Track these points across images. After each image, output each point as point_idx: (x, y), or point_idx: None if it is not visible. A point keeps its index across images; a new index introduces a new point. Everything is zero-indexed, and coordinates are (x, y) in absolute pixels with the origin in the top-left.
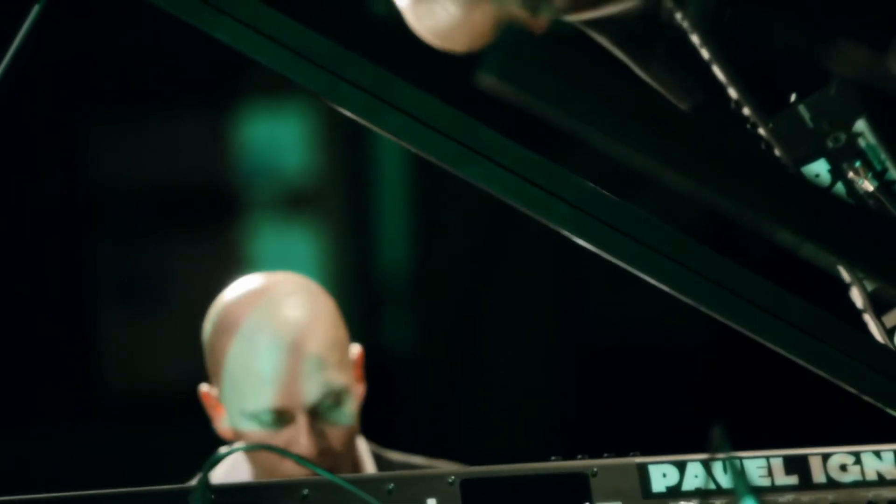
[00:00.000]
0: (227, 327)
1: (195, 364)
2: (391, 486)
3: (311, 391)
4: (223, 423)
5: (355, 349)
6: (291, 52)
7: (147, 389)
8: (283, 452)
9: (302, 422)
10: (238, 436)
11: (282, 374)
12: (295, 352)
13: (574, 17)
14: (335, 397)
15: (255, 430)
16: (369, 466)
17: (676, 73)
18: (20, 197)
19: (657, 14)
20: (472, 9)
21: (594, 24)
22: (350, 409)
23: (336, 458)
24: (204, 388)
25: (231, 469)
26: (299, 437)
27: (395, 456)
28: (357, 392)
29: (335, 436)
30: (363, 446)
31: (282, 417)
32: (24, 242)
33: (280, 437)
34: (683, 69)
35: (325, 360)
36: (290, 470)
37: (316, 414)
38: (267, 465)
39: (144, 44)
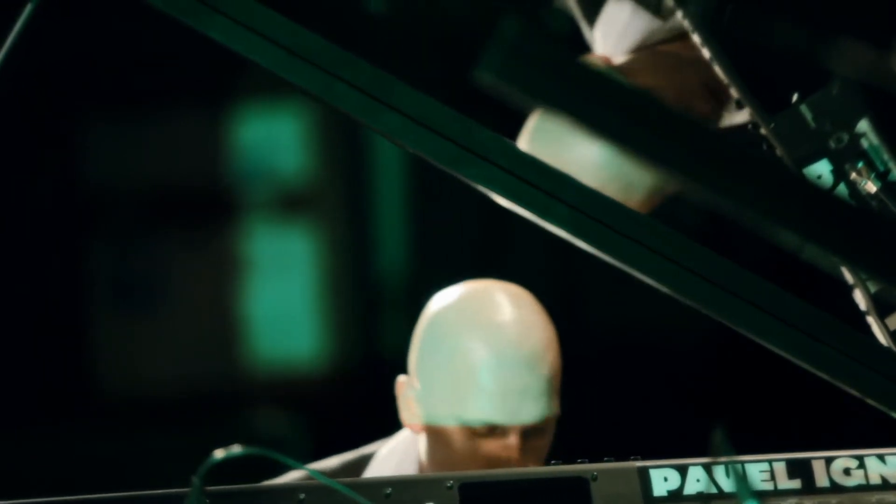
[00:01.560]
0: (449, 332)
1: (193, 365)
2: (389, 490)
3: (534, 414)
4: (412, 418)
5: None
6: (287, 52)
7: (145, 391)
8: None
9: (514, 441)
10: (436, 437)
11: (512, 390)
12: (524, 374)
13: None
14: (549, 422)
15: (460, 438)
16: None
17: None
18: (16, 197)
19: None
20: None
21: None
22: (549, 439)
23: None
24: (402, 378)
25: (402, 458)
26: (510, 454)
27: None
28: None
29: (535, 457)
30: None
31: (495, 430)
32: (21, 243)
33: (485, 450)
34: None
35: (553, 386)
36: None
37: (526, 435)
38: (455, 460)
39: (140, 44)
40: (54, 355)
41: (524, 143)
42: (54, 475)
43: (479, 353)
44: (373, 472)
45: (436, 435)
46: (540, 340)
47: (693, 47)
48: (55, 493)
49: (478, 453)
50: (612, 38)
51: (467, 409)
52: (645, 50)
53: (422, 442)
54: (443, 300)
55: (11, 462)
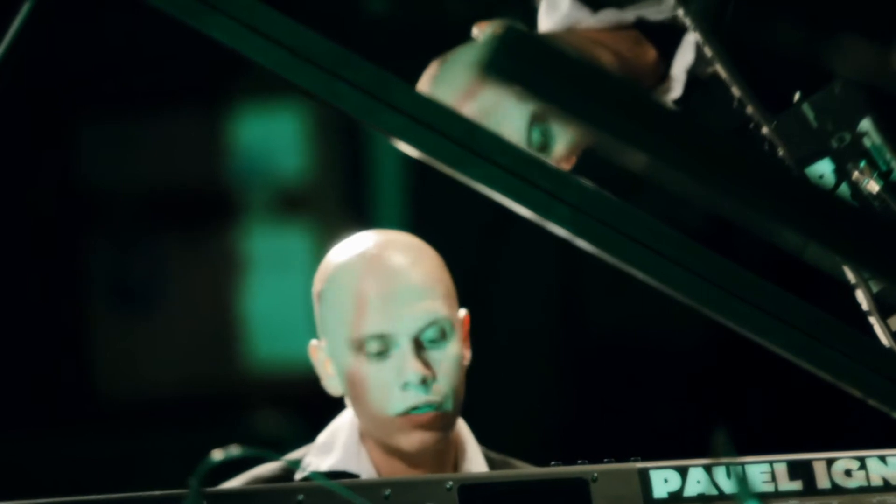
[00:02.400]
0: (333, 269)
1: (191, 365)
2: (388, 491)
3: (414, 316)
4: (330, 381)
5: (462, 312)
6: (288, 51)
7: (143, 391)
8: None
9: (406, 348)
10: (345, 379)
11: (385, 299)
12: (399, 278)
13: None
14: (440, 331)
15: (361, 365)
16: (471, 439)
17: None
18: (14, 198)
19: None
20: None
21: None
22: (456, 350)
23: (442, 398)
24: (313, 342)
25: (332, 437)
26: (405, 364)
27: (493, 454)
28: (463, 337)
29: (443, 370)
30: (463, 423)
31: (386, 345)
32: (20, 244)
33: (386, 369)
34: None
35: (431, 290)
36: (399, 402)
37: (420, 345)
38: (374, 409)
39: (139, 44)
40: (53, 356)
41: (425, 86)
42: (52, 476)
43: (352, 277)
44: (308, 461)
45: (351, 385)
46: (410, 252)
47: (618, 39)
48: (53, 494)
49: (382, 381)
50: (555, 19)
51: (353, 327)
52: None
53: (348, 405)
54: (325, 258)
55: (11, 463)
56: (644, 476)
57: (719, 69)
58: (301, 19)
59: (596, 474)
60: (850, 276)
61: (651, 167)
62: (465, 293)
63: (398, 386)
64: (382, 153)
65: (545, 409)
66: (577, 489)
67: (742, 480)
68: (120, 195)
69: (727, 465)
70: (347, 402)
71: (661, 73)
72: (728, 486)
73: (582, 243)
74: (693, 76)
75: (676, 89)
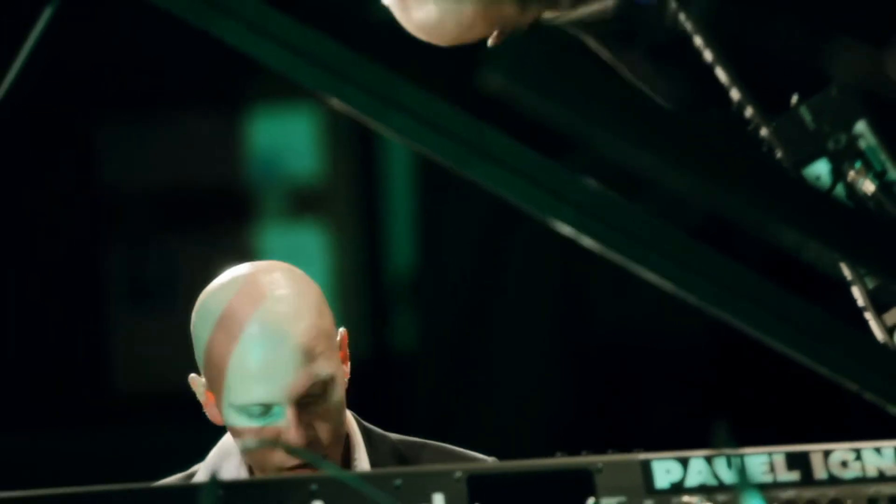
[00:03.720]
0: (211, 318)
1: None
2: (398, 481)
3: (297, 383)
4: (212, 409)
5: (339, 332)
6: (296, 53)
7: (160, 386)
8: (295, 450)
9: (290, 414)
10: (230, 428)
11: (268, 368)
12: (280, 345)
13: (555, 16)
14: (322, 386)
15: (244, 424)
16: (359, 442)
17: (658, 73)
18: (33, 198)
19: (637, 15)
20: (462, 2)
21: (576, 24)
22: (337, 395)
23: (326, 447)
24: (192, 376)
25: (220, 460)
26: (289, 430)
27: (391, 435)
28: (343, 375)
29: (324, 425)
30: (352, 423)
31: (269, 410)
32: (38, 242)
33: (269, 431)
34: (665, 68)
35: (312, 351)
36: (279, 459)
37: (303, 405)
38: (257, 457)
39: (154, 47)
40: (71, 352)
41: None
42: (72, 468)
43: (233, 341)
44: (199, 477)
45: (230, 429)
46: (288, 309)
47: None
48: (73, 484)
49: (267, 434)
50: None
51: (236, 394)
52: None
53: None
54: (208, 290)
55: (27, 456)
56: (647, 467)
57: (718, 72)
58: (308, 21)
59: (600, 465)
60: (847, 273)
61: (653, 168)
62: (471, 289)
63: (282, 448)
64: (393, 153)
65: (550, 402)
66: (581, 479)
67: (742, 471)
68: (136, 195)
69: (727, 457)
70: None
71: None
72: (728, 476)
73: (587, 242)
74: None
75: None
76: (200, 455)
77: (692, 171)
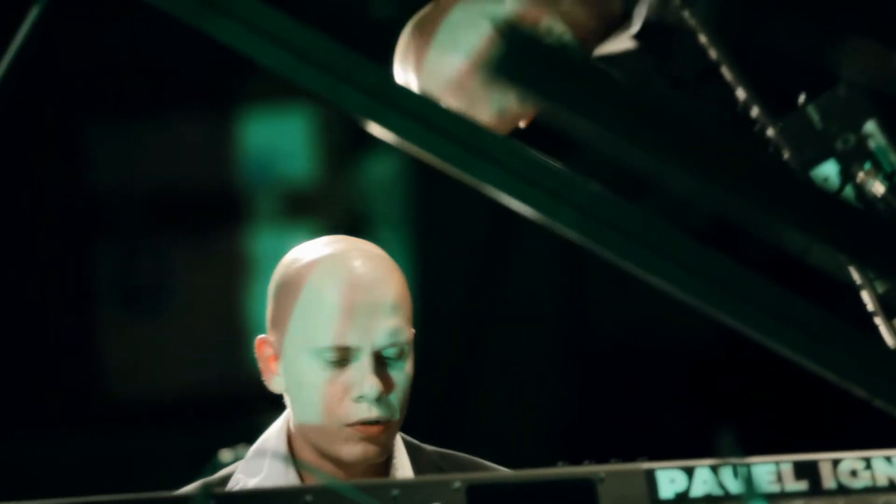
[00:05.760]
0: (300, 267)
1: (200, 366)
2: (396, 491)
3: (381, 333)
4: (274, 379)
5: (411, 331)
6: (293, 53)
7: (151, 392)
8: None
9: (366, 361)
10: (295, 380)
11: (355, 311)
12: (370, 292)
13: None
14: (400, 350)
15: (316, 371)
16: (400, 447)
17: (684, 104)
18: (22, 201)
19: (662, 49)
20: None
21: (605, 60)
22: (409, 370)
23: (393, 413)
24: (261, 337)
25: (260, 461)
26: (364, 378)
27: (427, 447)
28: (412, 359)
29: (396, 388)
30: (399, 441)
31: (346, 356)
32: (27, 246)
33: (342, 378)
34: (690, 101)
35: (399, 308)
36: (345, 412)
37: (381, 360)
38: (320, 409)
39: (147, 47)
40: (59, 357)
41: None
42: (61, 477)
43: (323, 282)
44: (239, 475)
45: (295, 383)
46: (382, 266)
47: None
48: (63, 494)
49: (336, 390)
50: None
51: (318, 337)
52: None
53: (287, 406)
54: (290, 254)
55: (16, 464)
56: (651, 476)
57: (724, 71)
58: (306, 21)
59: (603, 475)
60: (856, 276)
61: (657, 169)
62: (471, 295)
63: (352, 397)
64: (388, 155)
65: (552, 409)
66: (584, 490)
67: (748, 481)
68: (127, 198)
69: (733, 466)
70: (287, 402)
71: (623, 10)
72: (734, 486)
73: (588, 245)
74: (659, 21)
75: (636, 25)
76: (191, 462)
77: (697, 173)
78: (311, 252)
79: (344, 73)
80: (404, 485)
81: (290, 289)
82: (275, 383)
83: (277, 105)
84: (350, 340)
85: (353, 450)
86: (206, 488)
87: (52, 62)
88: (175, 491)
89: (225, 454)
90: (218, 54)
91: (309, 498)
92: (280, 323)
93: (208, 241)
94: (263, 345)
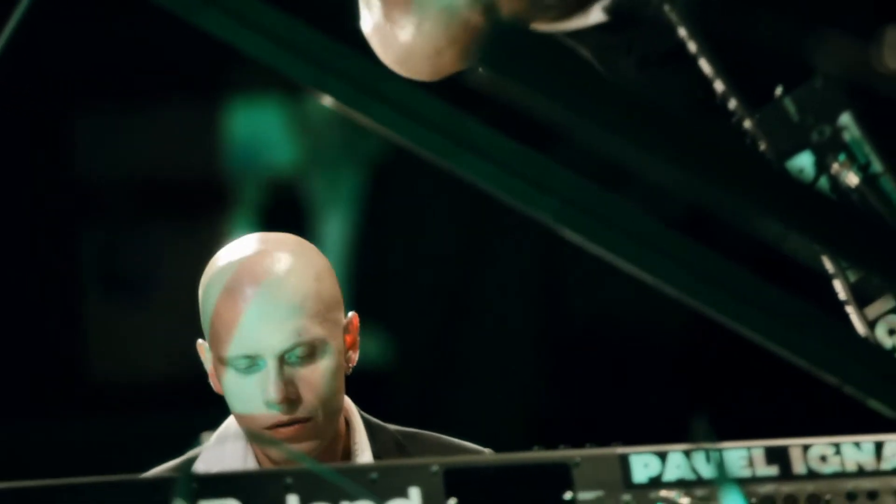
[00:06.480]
0: (210, 277)
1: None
2: (375, 475)
3: (280, 337)
4: (214, 377)
5: (348, 315)
6: (276, 42)
7: (136, 377)
8: (271, 441)
9: (271, 367)
10: (225, 390)
11: (253, 319)
12: (268, 298)
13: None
14: (308, 348)
15: (232, 378)
16: (360, 430)
17: (652, 84)
18: (8, 188)
19: (628, 26)
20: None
21: (569, 35)
22: (327, 364)
23: (308, 412)
24: (200, 341)
25: (221, 445)
26: (268, 385)
27: (390, 426)
28: (342, 353)
29: (308, 389)
30: (353, 411)
31: (254, 363)
32: (11, 232)
33: (252, 384)
34: (659, 80)
35: (299, 309)
36: (262, 420)
37: (287, 363)
38: (246, 420)
39: (133, 36)
40: (46, 343)
41: None
42: (44, 459)
43: (219, 292)
44: (201, 460)
45: (223, 389)
46: (283, 267)
47: None
48: (45, 476)
49: (252, 394)
50: None
51: (222, 346)
52: None
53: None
54: (211, 260)
55: (4, 446)
56: (625, 461)
57: (702, 63)
58: (289, 10)
59: (578, 459)
60: (829, 266)
61: (634, 159)
62: (447, 281)
63: (263, 402)
64: (366, 144)
65: (527, 394)
66: (559, 474)
67: (720, 465)
68: (112, 184)
69: (706, 451)
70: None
71: None
72: (707, 470)
73: (568, 233)
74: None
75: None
76: (177, 446)
77: (674, 162)
78: (217, 260)
79: (327, 61)
80: (382, 468)
81: (202, 297)
82: (214, 385)
83: (263, 94)
84: (248, 349)
85: (279, 450)
86: (189, 470)
87: (35, 50)
88: (143, 473)
89: (207, 437)
90: (203, 43)
91: (289, 480)
92: (203, 330)
93: (193, 227)
94: (201, 349)
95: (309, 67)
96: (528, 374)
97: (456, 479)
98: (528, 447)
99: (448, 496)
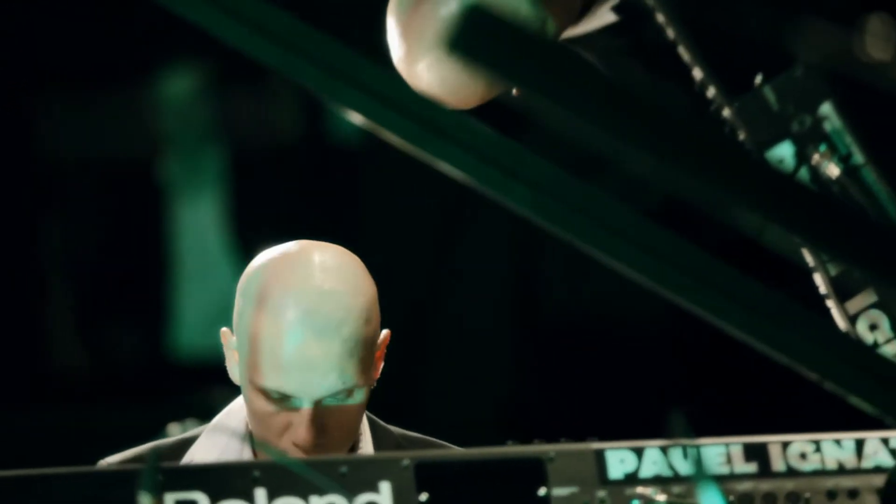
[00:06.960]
0: (255, 292)
1: (151, 341)
2: (344, 468)
3: (323, 386)
4: (234, 369)
5: (382, 334)
6: (247, 25)
7: (102, 366)
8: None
9: (305, 413)
10: (246, 402)
11: (299, 362)
12: (318, 343)
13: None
14: (346, 392)
15: (260, 400)
16: (366, 431)
17: (655, 87)
18: None
19: (635, 30)
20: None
21: (576, 41)
22: (359, 399)
23: (334, 447)
24: (225, 330)
25: (215, 436)
26: (299, 428)
27: (393, 429)
28: (372, 381)
29: (337, 428)
30: (366, 428)
31: (289, 399)
32: None
33: (282, 416)
34: (662, 84)
35: (348, 358)
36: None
37: (321, 403)
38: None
39: (93, 16)
40: (9, 330)
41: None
42: (8, 450)
43: (272, 321)
44: (197, 447)
45: (244, 396)
46: (337, 307)
47: None
48: (9, 467)
49: (277, 424)
50: None
51: (260, 375)
52: None
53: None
54: (262, 257)
55: None
56: (600, 456)
57: (681, 51)
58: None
59: (552, 454)
60: (809, 259)
61: (612, 148)
62: (423, 273)
63: (290, 435)
64: (340, 132)
65: (502, 389)
66: (533, 469)
67: (698, 462)
68: (77, 171)
69: (683, 447)
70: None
71: None
72: (684, 467)
73: (541, 223)
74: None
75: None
76: (141, 435)
77: (652, 152)
78: (268, 274)
79: (299, 45)
80: (353, 461)
81: (246, 303)
82: (233, 374)
83: (230, 78)
84: (288, 389)
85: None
86: (155, 463)
87: None
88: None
89: (173, 429)
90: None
91: (257, 473)
92: (237, 331)
93: (154, 210)
94: (225, 338)
95: (281, 52)
96: (502, 369)
97: (427, 473)
98: (501, 442)
99: (419, 491)
